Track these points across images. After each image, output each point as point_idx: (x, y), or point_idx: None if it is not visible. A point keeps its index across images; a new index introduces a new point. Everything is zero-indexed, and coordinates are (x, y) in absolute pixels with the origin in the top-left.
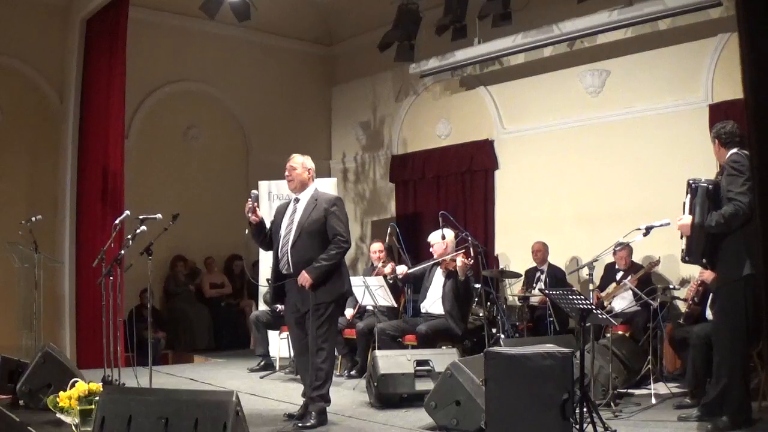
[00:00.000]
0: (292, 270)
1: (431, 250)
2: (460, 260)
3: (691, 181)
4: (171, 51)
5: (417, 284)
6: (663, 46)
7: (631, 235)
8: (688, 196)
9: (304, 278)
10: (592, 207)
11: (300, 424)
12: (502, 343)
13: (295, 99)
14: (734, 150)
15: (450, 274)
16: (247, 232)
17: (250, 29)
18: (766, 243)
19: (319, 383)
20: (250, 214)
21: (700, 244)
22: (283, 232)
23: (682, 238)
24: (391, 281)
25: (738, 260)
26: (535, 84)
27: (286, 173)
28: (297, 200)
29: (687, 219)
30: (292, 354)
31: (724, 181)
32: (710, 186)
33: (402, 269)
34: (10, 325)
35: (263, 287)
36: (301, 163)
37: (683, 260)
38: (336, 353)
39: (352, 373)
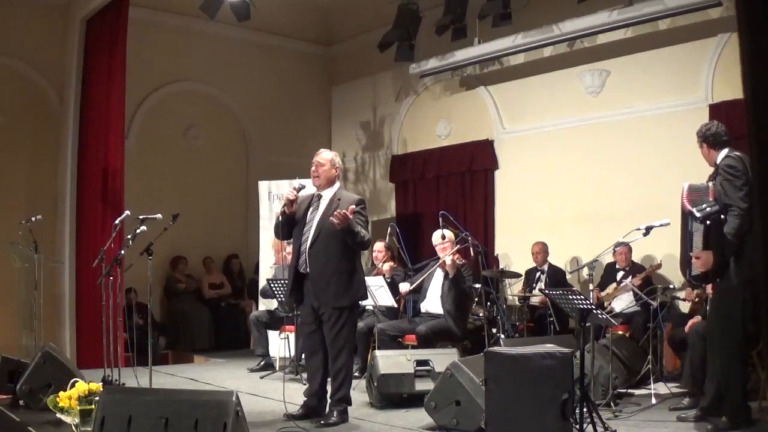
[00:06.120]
0: (309, 270)
1: (437, 248)
2: (449, 259)
3: (698, 214)
4: (171, 51)
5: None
6: (663, 46)
7: (631, 235)
8: (701, 228)
9: (342, 215)
10: (592, 207)
11: (323, 422)
12: (502, 343)
13: (295, 99)
14: (725, 151)
15: (448, 274)
16: (280, 218)
17: (250, 29)
18: (767, 244)
19: (339, 385)
20: (286, 207)
21: (719, 271)
22: (302, 229)
23: (690, 261)
24: (388, 279)
25: (739, 265)
26: (535, 84)
27: (312, 168)
28: (319, 197)
29: (707, 257)
30: (292, 354)
31: (719, 186)
32: (722, 215)
33: (405, 287)
34: (10, 325)
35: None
36: (329, 159)
37: (692, 285)
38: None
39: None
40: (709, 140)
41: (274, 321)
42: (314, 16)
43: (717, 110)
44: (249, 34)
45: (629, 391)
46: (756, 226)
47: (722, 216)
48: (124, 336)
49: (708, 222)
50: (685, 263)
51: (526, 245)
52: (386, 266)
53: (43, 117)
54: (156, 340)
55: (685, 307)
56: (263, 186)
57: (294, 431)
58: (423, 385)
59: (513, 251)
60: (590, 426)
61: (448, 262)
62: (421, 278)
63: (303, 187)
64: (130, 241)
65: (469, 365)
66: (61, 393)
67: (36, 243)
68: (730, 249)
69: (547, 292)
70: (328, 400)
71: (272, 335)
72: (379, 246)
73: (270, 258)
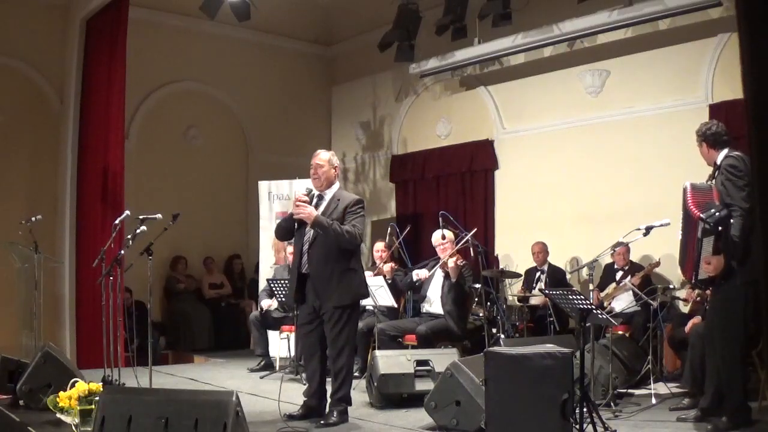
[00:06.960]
0: (310, 270)
1: (438, 248)
2: (451, 262)
3: (709, 220)
4: (171, 51)
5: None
6: (663, 46)
7: (631, 235)
8: (710, 237)
9: (310, 213)
10: (592, 207)
11: (323, 422)
12: (502, 343)
13: (295, 99)
14: (725, 151)
15: (448, 275)
16: (294, 224)
17: (250, 29)
18: (767, 244)
19: (339, 385)
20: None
21: (727, 274)
22: (303, 230)
23: (698, 267)
24: (389, 280)
25: (743, 266)
26: (535, 84)
27: (312, 171)
28: (320, 197)
29: (719, 262)
30: (292, 354)
31: (720, 186)
32: (730, 219)
33: (424, 273)
34: (10, 325)
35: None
36: (327, 160)
37: (696, 287)
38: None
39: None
40: (709, 139)
41: (268, 322)
42: (314, 16)
43: (717, 110)
44: (249, 34)
45: (629, 391)
46: (756, 226)
47: (731, 219)
48: (124, 335)
49: (720, 228)
50: (693, 266)
51: (526, 245)
52: (387, 266)
53: (43, 117)
54: (156, 340)
55: (685, 307)
56: (263, 186)
57: (294, 431)
58: (423, 385)
59: (513, 251)
60: (590, 426)
61: (451, 264)
62: (436, 268)
63: (311, 190)
64: (130, 241)
65: (469, 365)
66: (61, 393)
67: (36, 243)
68: (738, 251)
69: (547, 292)
70: (328, 400)
71: (272, 335)
72: (380, 246)
73: (270, 258)
